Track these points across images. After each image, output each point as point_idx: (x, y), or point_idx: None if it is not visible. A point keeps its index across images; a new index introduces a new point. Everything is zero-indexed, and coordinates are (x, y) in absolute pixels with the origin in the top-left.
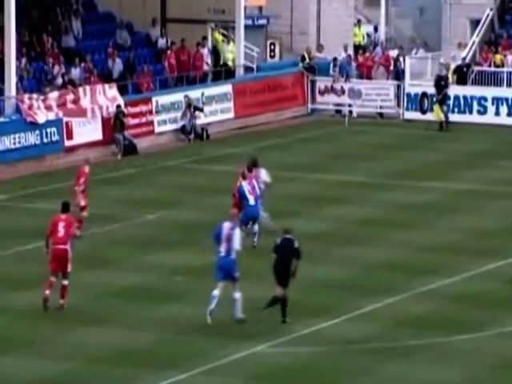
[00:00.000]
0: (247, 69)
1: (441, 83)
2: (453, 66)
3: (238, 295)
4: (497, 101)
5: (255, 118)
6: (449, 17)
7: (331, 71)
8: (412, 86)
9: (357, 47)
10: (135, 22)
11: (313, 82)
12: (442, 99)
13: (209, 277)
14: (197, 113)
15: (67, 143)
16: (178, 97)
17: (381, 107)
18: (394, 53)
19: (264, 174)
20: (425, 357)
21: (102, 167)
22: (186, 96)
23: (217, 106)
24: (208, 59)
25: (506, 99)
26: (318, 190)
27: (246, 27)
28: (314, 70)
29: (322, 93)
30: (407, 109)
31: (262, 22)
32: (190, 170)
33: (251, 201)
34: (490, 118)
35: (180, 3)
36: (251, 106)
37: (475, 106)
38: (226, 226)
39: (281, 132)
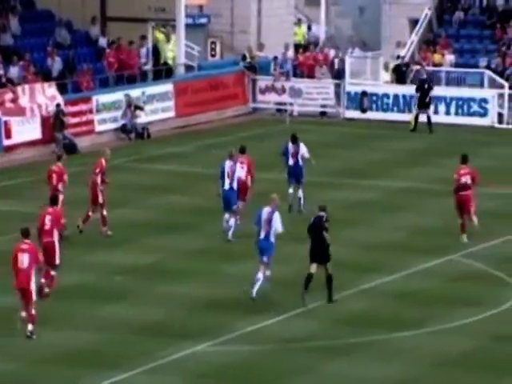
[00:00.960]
0: (188, 68)
1: (424, 86)
2: (392, 65)
3: (260, 275)
4: (435, 100)
5: (196, 117)
6: (388, 16)
7: (272, 70)
8: (352, 85)
9: (297, 46)
10: (75, 20)
11: (254, 81)
12: (429, 102)
13: (154, 276)
14: (137, 112)
15: (6, 142)
16: (118, 95)
17: (322, 106)
18: (334, 52)
19: (303, 149)
20: (366, 354)
21: (43, 166)
22: (126, 95)
23: (158, 105)
24: (146, 58)
25: (445, 98)
26: (261, 189)
27: (187, 26)
28: (254, 69)
29: (263, 92)
30: (347, 108)
31: (203, 20)
32: (131, 170)
33: (226, 184)
34: None
35: (120, 1)
36: (192, 105)
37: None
38: (266, 210)
39: (222, 131)
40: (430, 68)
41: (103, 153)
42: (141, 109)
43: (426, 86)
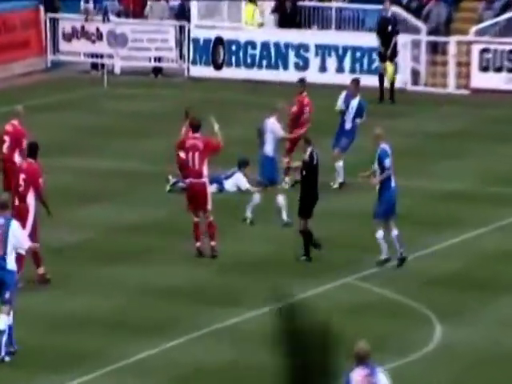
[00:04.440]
0: None
1: (387, 29)
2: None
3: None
4: (322, 50)
5: None
6: None
7: (82, 5)
8: (201, 29)
9: None
10: None
11: (54, 22)
12: (393, 53)
13: None
14: None
15: None
16: None
17: (156, 59)
18: None
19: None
20: None
21: None
22: None
23: None
24: None
25: (336, 48)
26: (66, 182)
27: None
28: (55, 5)
29: (68, 38)
30: (194, 62)
31: None
32: None
33: None
34: None
35: None
36: None
37: None
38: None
39: (6, 96)
40: (313, 3)
41: (17, 113)
42: None
43: (390, 28)
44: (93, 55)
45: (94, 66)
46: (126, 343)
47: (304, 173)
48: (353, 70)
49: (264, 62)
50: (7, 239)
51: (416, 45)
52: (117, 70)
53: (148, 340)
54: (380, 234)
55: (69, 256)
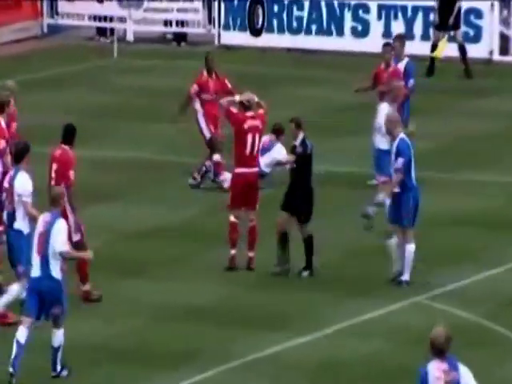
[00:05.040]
0: None
1: None
2: None
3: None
4: (393, 10)
5: None
6: None
7: None
8: None
9: None
10: None
11: None
12: (455, 22)
13: None
14: None
15: None
16: None
17: (179, 24)
18: None
19: None
20: None
21: None
22: None
23: None
24: None
25: (404, 8)
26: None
27: None
28: None
29: None
30: (226, 27)
31: None
32: None
33: None
34: None
35: None
36: None
37: None
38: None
39: None
40: None
41: (9, 90)
42: None
43: None
44: (100, 18)
45: (102, 31)
46: (144, 376)
47: (295, 165)
48: (425, 36)
49: (313, 27)
50: (49, 240)
51: (506, 4)
52: (129, 37)
53: (169, 372)
54: (392, 242)
55: (73, 267)
